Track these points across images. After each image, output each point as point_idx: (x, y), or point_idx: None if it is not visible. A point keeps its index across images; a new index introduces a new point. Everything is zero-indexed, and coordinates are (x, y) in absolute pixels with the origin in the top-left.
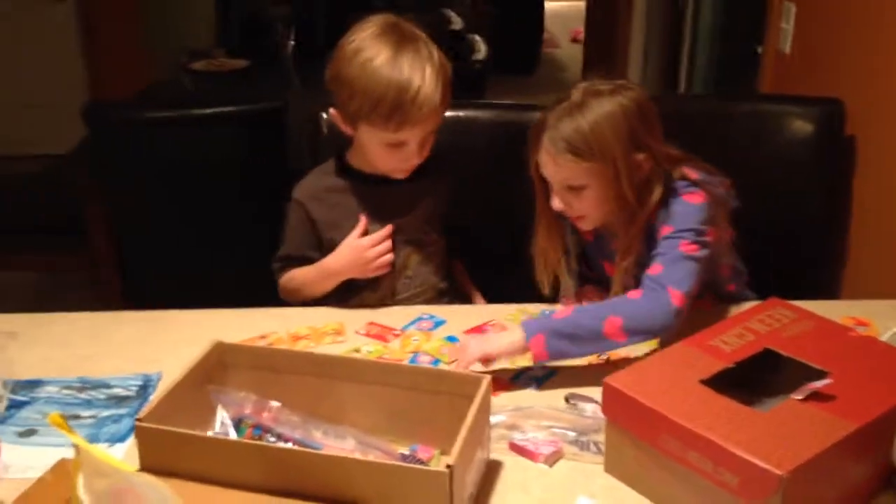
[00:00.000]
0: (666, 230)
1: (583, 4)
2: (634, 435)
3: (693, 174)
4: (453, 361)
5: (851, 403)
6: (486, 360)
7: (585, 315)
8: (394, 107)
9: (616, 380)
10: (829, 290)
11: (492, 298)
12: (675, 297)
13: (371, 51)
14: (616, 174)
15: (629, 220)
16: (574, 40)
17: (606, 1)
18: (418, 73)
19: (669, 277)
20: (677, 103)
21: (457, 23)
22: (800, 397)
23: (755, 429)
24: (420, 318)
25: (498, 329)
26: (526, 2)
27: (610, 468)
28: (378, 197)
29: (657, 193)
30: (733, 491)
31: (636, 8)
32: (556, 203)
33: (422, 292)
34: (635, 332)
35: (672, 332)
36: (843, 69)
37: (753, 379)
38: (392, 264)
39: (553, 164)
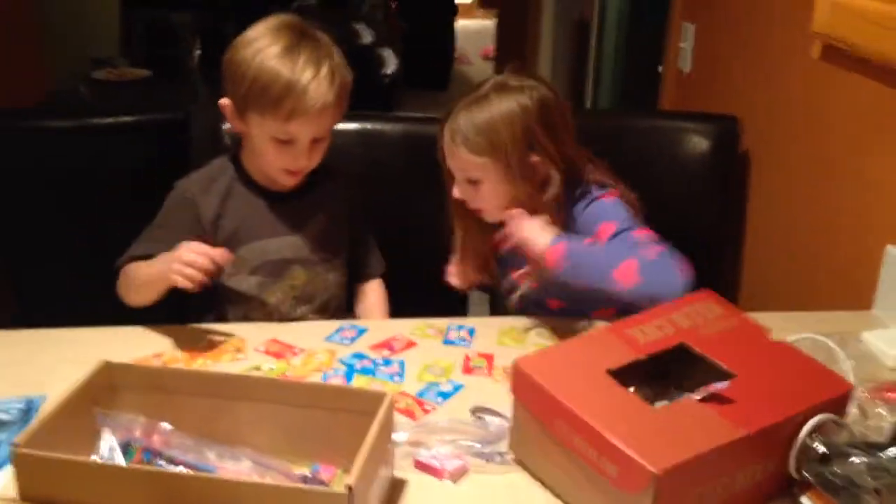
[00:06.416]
0: (607, 228)
1: (493, 23)
2: (534, 415)
3: (603, 178)
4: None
5: (748, 409)
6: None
7: (609, 249)
8: (283, 94)
9: (526, 361)
10: None
11: (412, 313)
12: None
13: (267, 40)
14: (508, 172)
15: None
16: (485, 57)
17: (516, 21)
18: (312, 67)
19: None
20: (582, 118)
21: (366, 37)
22: (698, 397)
23: (643, 423)
24: (342, 328)
25: (542, 222)
26: (438, 19)
27: (514, 447)
28: (268, 210)
29: (550, 194)
30: (612, 481)
31: (544, 28)
32: (456, 192)
33: (309, 314)
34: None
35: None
36: (738, 87)
37: (663, 373)
38: (211, 287)
39: (450, 154)
